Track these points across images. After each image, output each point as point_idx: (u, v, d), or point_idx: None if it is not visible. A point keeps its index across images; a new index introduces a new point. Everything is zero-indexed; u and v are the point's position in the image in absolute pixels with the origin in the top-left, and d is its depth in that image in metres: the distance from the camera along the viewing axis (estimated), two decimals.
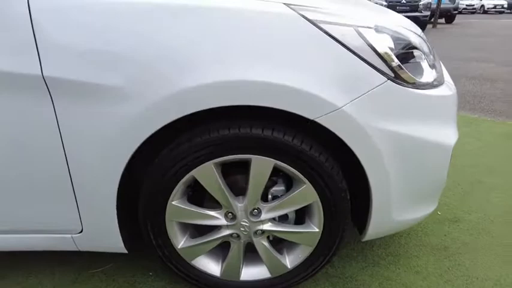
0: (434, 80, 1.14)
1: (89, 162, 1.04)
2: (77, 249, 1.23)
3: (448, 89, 1.19)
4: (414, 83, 1.07)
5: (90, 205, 1.11)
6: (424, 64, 1.13)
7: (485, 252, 1.51)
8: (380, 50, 1.00)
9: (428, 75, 1.13)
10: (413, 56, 1.12)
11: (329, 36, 0.96)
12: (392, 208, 1.16)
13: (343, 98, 0.97)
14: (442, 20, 15.18)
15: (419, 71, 1.12)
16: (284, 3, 0.96)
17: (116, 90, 0.94)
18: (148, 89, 0.94)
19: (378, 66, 1.00)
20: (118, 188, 1.09)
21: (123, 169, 1.05)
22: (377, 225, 1.20)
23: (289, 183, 1.18)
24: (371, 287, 1.34)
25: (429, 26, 12.66)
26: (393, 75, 1.02)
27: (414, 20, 11.86)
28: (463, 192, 1.95)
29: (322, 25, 0.96)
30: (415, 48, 1.11)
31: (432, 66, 1.16)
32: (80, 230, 1.18)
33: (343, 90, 0.98)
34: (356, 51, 0.97)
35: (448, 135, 1.15)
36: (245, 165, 1.12)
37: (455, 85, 1.27)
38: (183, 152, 1.04)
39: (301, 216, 1.25)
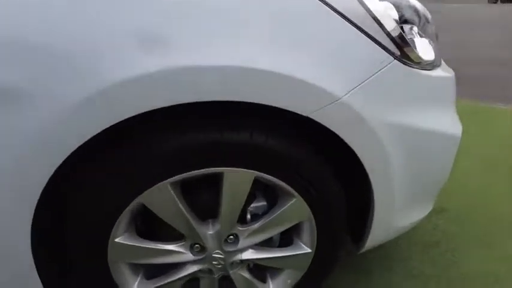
0: (436, 57, 0.94)
1: None
2: None
3: (447, 69, 1.01)
4: (420, 63, 0.85)
5: None
6: (424, 39, 0.92)
7: (475, 243, 1.40)
8: (385, 23, 0.77)
9: (429, 51, 0.92)
10: (412, 29, 0.90)
11: (326, 5, 0.69)
12: (395, 213, 0.96)
13: (342, 86, 0.72)
14: None
15: (419, 46, 0.91)
16: None
17: (11, 93, 0.60)
18: (62, 88, 0.60)
19: (383, 43, 0.76)
20: (32, 226, 0.74)
21: (36, 203, 0.71)
22: (376, 235, 0.99)
23: (272, 195, 0.92)
24: None
25: None
26: (399, 54, 0.79)
27: None
28: None
29: None
30: (413, 19, 0.89)
31: (431, 41, 0.95)
32: None
33: (343, 76, 0.72)
34: (359, 24, 0.72)
35: (455, 123, 0.97)
36: (212, 176, 0.84)
37: None
38: (124, 170, 0.72)
39: (286, 234, 1.00)
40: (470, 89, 3.48)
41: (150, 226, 0.88)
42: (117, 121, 0.65)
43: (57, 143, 0.64)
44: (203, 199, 0.87)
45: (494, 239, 1.42)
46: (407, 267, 1.29)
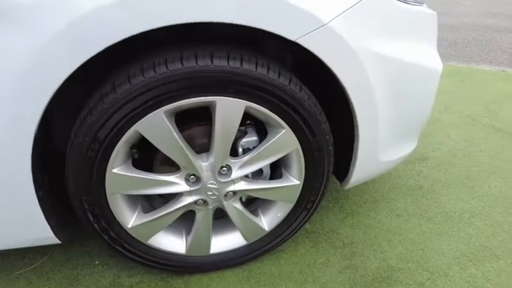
0: None
1: None
2: None
3: (430, 9, 1.04)
4: None
5: None
6: None
7: (456, 186, 1.49)
8: None
9: None
10: None
11: None
12: (379, 147, 1.02)
13: (329, 12, 0.75)
14: None
15: None
16: None
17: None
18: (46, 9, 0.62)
19: None
20: (32, 157, 0.77)
21: (35, 131, 0.74)
22: (362, 170, 1.05)
23: (261, 132, 0.96)
24: (355, 238, 1.23)
25: None
26: None
27: None
28: (426, 131, 1.92)
29: None
30: None
31: None
32: None
33: (330, 1, 0.75)
34: None
35: (436, 59, 1.01)
36: (201, 114, 0.88)
37: None
38: (119, 98, 0.75)
39: (275, 169, 1.06)
40: (453, 52, 3.54)
41: (147, 160, 0.92)
42: (111, 42, 0.67)
43: (55, 64, 0.67)
44: (194, 134, 0.91)
45: (472, 182, 1.51)
46: (391, 208, 1.37)
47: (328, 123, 0.93)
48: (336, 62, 0.80)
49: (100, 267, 1.14)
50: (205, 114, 0.89)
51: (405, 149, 1.13)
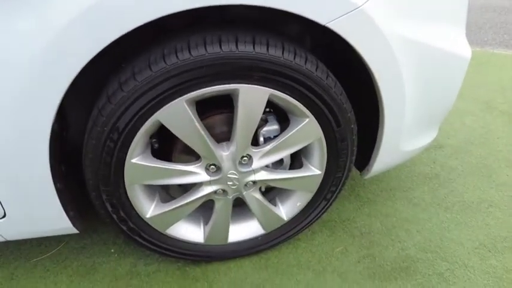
0: None
1: None
2: (3, 240, 0.90)
3: None
4: None
5: (10, 181, 0.77)
6: None
7: (473, 175, 1.46)
8: None
9: None
10: None
11: None
12: (403, 136, 0.98)
13: None
14: None
15: None
16: None
17: None
18: None
19: None
20: (50, 149, 0.75)
21: (52, 121, 0.71)
22: (383, 159, 1.03)
23: (282, 120, 0.93)
24: (372, 227, 1.21)
25: None
26: None
27: None
28: None
29: None
30: None
31: None
32: (1, 215, 0.84)
33: None
34: None
35: (465, 45, 0.96)
36: (220, 101, 0.85)
37: None
38: (140, 85, 0.72)
39: (294, 158, 1.03)
40: (466, 35, 3.44)
41: (166, 149, 0.89)
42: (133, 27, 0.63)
43: (76, 47, 0.63)
44: (215, 123, 0.88)
45: (490, 170, 1.48)
46: (408, 197, 1.35)
47: (353, 112, 0.89)
48: (365, 47, 0.76)
49: (116, 255, 1.14)
50: (224, 102, 0.85)
51: (426, 138, 1.10)
